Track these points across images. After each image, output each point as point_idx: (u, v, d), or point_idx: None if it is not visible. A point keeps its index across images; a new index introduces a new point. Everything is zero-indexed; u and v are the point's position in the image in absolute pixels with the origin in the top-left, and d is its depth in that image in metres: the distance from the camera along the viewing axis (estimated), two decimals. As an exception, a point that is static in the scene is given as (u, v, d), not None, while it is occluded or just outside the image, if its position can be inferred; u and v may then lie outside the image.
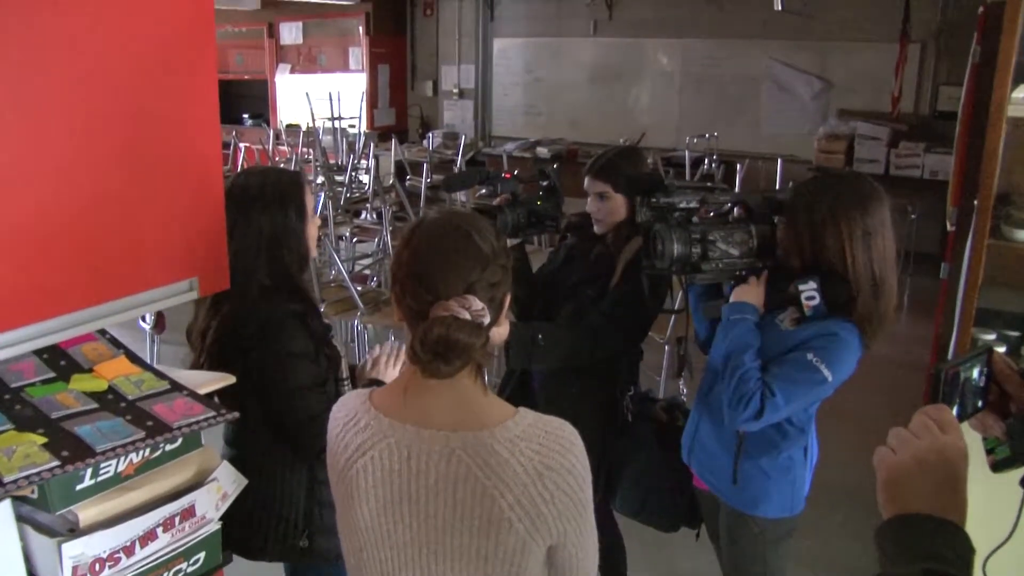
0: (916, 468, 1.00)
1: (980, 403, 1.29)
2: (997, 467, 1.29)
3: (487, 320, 1.35)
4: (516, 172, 2.74)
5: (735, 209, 2.33)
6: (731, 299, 2.22)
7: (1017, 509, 1.24)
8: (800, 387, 2.09)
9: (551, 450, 1.35)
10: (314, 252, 2.26)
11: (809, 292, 2.08)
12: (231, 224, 1.91)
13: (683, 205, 2.26)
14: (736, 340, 2.14)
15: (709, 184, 2.23)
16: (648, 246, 2.27)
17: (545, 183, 2.70)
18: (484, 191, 2.69)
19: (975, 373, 1.27)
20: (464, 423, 1.36)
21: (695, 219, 2.27)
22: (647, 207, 2.28)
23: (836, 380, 2.10)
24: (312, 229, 2.20)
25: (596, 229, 2.65)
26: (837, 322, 2.10)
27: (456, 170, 8.19)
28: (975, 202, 2.68)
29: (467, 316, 1.31)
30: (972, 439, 1.09)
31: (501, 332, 1.44)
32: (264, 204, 2.09)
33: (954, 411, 1.20)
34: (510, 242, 2.53)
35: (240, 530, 1.96)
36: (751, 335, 2.15)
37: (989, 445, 1.31)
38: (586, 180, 2.62)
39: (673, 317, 4.10)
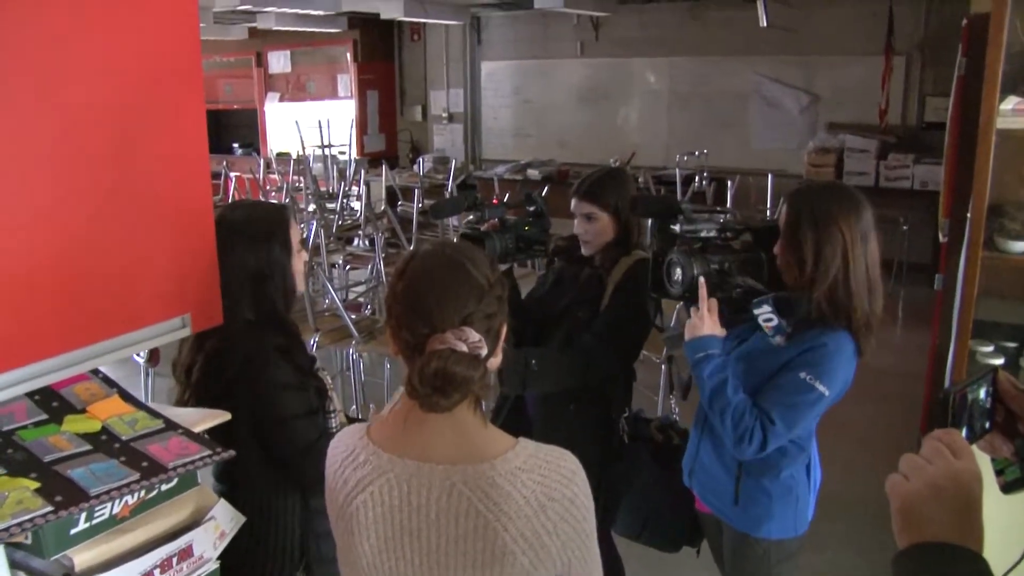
0: (931, 495, 0.98)
1: (988, 424, 1.27)
2: (1008, 488, 1.26)
3: (484, 352, 1.34)
4: (502, 198, 2.75)
5: (740, 236, 2.33)
6: (685, 337, 2.19)
7: None
8: (799, 410, 2.08)
9: (553, 480, 1.34)
10: (301, 287, 2.24)
11: (766, 315, 2.09)
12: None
13: (704, 234, 2.25)
14: (710, 380, 2.13)
15: (718, 208, 2.24)
16: (661, 272, 2.27)
17: (532, 208, 2.71)
18: (472, 217, 2.69)
19: (982, 394, 1.25)
20: (464, 456, 1.34)
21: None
22: (661, 232, 2.28)
23: (834, 392, 2.09)
24: (298, 263, 2.18)
25: (584, 251, 2.65)
26: (826, 332, 2.09)
27: (447, 194, 8.20)
28: (967, 214, 2.68)
29: (464, 348, 1.30)
30: (981, 461, 1.08)
31: (496, 361, 1.43)
32: (249, 238, 2.07)
33: (963, 434, 1.18)
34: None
35: (235, 568, 1.94)
36: (723, 369, 2.13)
37: (998, 466, 1.28)
38: (573, 202, 2.63)
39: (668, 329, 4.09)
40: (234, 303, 2.03)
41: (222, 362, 2.04)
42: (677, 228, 2.23)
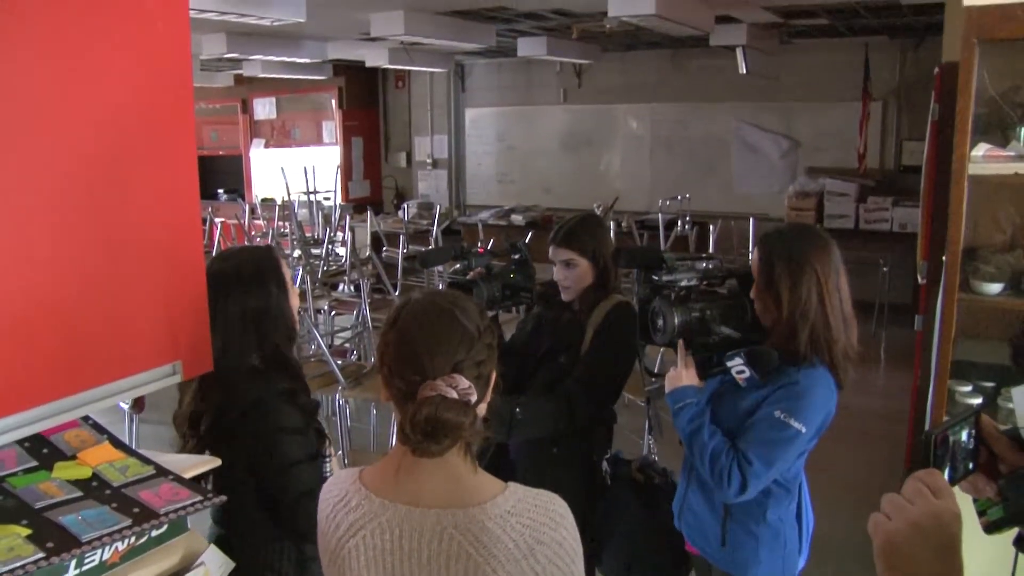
0: (912, 534, 1.00)
1: (971, 465, 1.28)
2: (990, 528, 1.28)
3: (475, 398, 1.37)
4: (486, 244, 2.81)
5: (727, 281, 2.39)
6: (666, 389, 2.28)
7: (1011, 569, 1.25)
8: (776, 448, 2.11)
9: (542, 524, 1.36)
10: (297, 323, 2.27)
11: (738, 367, 2.17)
12: (212, 310, 1.89)
13: (684, 283, 2.31)
14: (688, 426, 2.20)
15: (703, 255, 2.29)
16: (646, 320, 2.32)
17: (517, 256, 2.76)
18: (459, 265, 2.74)
19: (964, 436, 1.26)
20: (455, 501, 1.36)
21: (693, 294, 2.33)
22: (646, 282, 2.34)
23: (812, 429, 2.12)
24: (294, 299, 2.21)
25: (564, 296, 2.70)
26: (800, 369, 2.13)
27: (432, 240, 8.25)
28: (944, 257, 2.73)
29: (455, 395, 1.33)
30: (964, 501, 1.10)
31: (482, 408, 1.46)
32: (243, 285, 2.09)
33: (945, 474, 1.19)
34: None
35: None
36: (700, 415, 2.20)
37: (981, 507, 1.30)
38: (551, 249, 2.68)
39: (654, 379, 4.12)
40: (238, 351, 2.04)
41: (227, 408, 2.06)
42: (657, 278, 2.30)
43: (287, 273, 2.22)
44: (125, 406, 4.63)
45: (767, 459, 2.10)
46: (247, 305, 2.09)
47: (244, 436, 2.03)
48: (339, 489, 1.47)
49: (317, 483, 2.04)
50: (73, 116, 1.55)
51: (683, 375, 2.25)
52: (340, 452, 4.62)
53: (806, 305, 2.11)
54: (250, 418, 2.04)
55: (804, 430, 2.10)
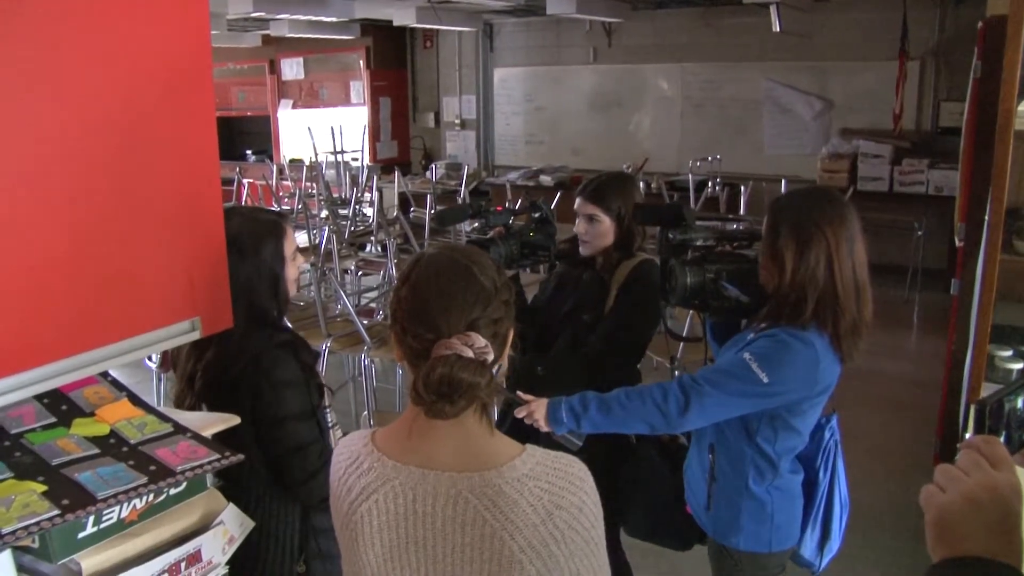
0: (967, 507, 0.94)
1: None
2: None
3: (491, 357, 1.31)
4: (514, 205, 2.77)
5: (755, 244, 2.31)
6: (547, 425, 2.14)
7: None
8: (729, 381, 2.04)
9: (560, 488, 1.31)
10: (294, 291, 2.23)
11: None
12: None
13: (699, 243, 2.25)
14: (599, 414, 2.10)
15: (731, 216, 2.24)
16: (662, 279, 2.27)
17: (537, 215, 2.72)
18: (477, 224, 2.71)
19: (1020, 403, 1.21)
20: (470, 464, 1.32)
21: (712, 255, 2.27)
22: (664, 240, 2.28)
23: (778, 387, 2.02)
24: (291, 272, 2.18)
25: (582, 250, 2.66)
26: (789, 329, 2.04)
27: (460, 201, 8.22)
28: (984, 218, 2.66)
29: (470, 354, 1.27)
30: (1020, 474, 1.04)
31: (501, 366, 1.41)
32: (239, 249, 2.04)
33: None
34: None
35: (232, 559, 1.93)
36: (586, 400, 2.11)
37: None
38: (577, 201, 2.65)
39: (681, 343, 4.07)
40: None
41: (226, 363, 2.04)
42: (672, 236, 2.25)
43: (291, 245, 2.18)
44: (152, 364, 4.66)
45: (716, 384, 2.04)
46: (240, 270, 2.03)
47: (245, 389, 2.01)
48: (350, 452, 1.43)
49: (313, 440, 2.06)
50: (91, 72, 1.52)
51: (537, 406, 2.13)
52: (366, 412, 4.63)
53: (814, 272, 2.02)
54: (252, 372, 2.02)
55: (767, 380, 2.00)
